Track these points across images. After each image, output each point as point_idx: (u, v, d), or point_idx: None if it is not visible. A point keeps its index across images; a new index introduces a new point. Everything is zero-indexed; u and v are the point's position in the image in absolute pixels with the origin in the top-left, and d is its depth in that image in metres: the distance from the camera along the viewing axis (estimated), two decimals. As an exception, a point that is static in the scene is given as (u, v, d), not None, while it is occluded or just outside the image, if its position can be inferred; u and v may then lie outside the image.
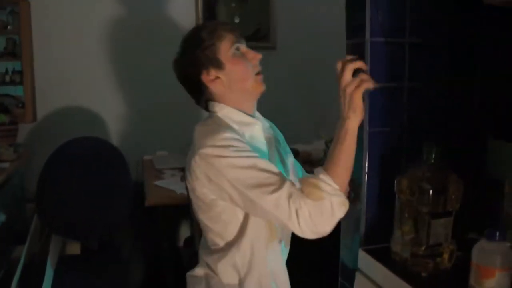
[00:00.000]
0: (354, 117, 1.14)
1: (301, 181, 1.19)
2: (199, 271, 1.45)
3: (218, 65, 1.34)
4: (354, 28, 1.32)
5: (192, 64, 1.36)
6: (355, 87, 1.13)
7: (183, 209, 2.32)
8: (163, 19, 3.61)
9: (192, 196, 1.36)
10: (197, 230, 1.48)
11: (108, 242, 3.05)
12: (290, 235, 1.46)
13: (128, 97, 3.58)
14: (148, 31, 3.57)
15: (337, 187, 1.16)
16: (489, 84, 1.39)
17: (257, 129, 1.38)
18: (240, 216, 1.31)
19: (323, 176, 1.17)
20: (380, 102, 1.29)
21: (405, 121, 1.34)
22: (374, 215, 1.37)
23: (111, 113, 3.55)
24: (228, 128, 1.31)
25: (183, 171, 2.80)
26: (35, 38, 3.36)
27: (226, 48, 1.34)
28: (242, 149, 1.24)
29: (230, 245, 1.35)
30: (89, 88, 3.50)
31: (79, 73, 3.48)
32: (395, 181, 1.26)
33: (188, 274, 1.48)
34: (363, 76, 1.13)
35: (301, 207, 1.13)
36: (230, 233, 1.34)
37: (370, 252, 1.34)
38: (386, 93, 1.29)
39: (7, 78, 3.36)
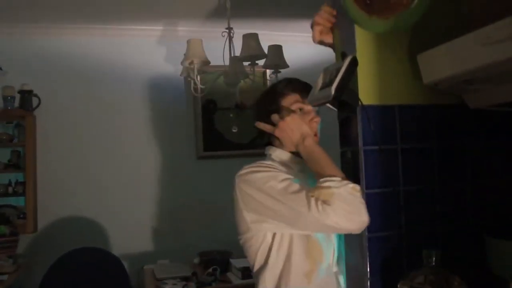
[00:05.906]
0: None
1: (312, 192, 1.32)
2: None
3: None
4: (346, 137, 1.39)
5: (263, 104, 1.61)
6: None
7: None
8: (161, 128, 3.74)
9: (241, 241, 1.51)
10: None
11: None
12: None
13: (128, 207, 3.61)
14: (145, 143, 3.70)
15: (338, 179, 1.31)
16: (481, 184, 1.43)
17: (308, 167, 1.48)
18: (269, 238, 1.45)
19: (321, 181, 1.31)
20: (377, 207, 1.32)
21: (403, 224, 1.36)
22: (379, 322, 1.35)
23: (112, 223, 3.57)
24: (270, 161, 1.50)
25: (185, 280, 2.77)
26: (38, 150, 3.46)
27: (289, 103, 1.55)
28: (275, 171, 1.40)
29: (262, 269, 1.48)
30: (89, 199, 3.54)
31: (80, 184, 3.54)
32: (398, 286, 1.25)
33: None
34: None
35: (328, 213, 1.27)
36: (261, 255, 1.47)
37: None
38: (382, 198, 1.33)
39: (10, 190, 3.42)
